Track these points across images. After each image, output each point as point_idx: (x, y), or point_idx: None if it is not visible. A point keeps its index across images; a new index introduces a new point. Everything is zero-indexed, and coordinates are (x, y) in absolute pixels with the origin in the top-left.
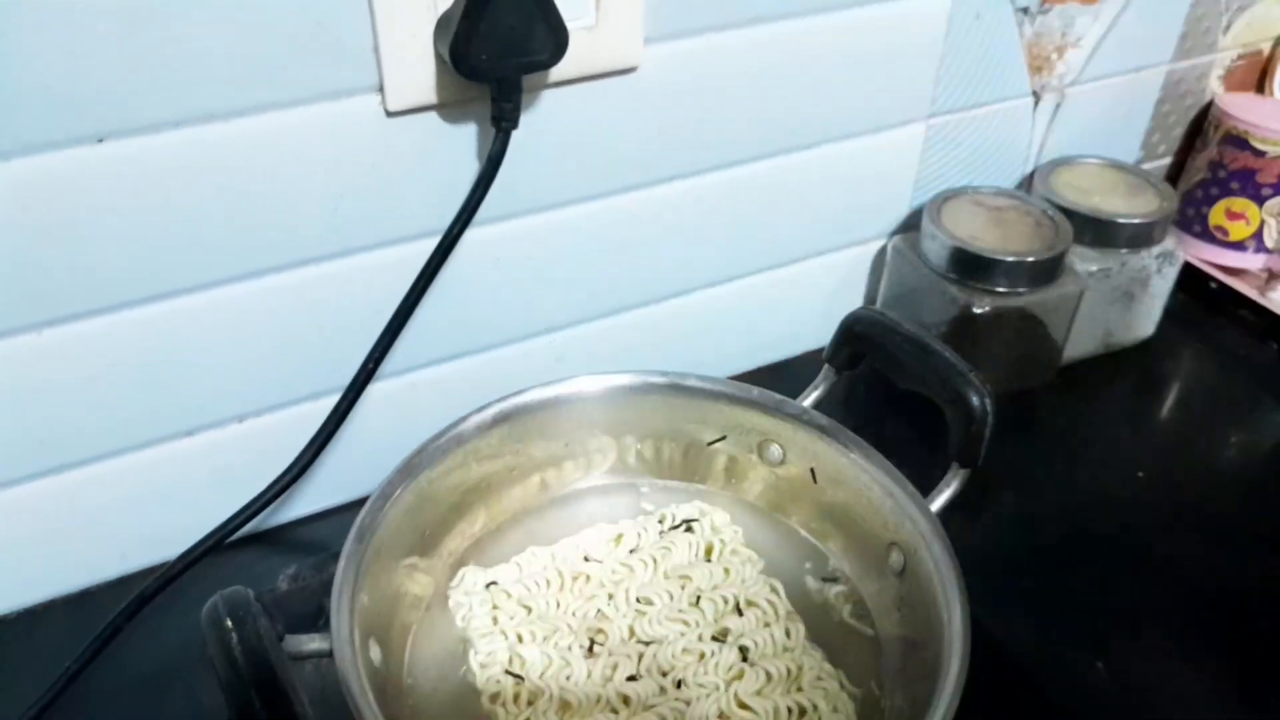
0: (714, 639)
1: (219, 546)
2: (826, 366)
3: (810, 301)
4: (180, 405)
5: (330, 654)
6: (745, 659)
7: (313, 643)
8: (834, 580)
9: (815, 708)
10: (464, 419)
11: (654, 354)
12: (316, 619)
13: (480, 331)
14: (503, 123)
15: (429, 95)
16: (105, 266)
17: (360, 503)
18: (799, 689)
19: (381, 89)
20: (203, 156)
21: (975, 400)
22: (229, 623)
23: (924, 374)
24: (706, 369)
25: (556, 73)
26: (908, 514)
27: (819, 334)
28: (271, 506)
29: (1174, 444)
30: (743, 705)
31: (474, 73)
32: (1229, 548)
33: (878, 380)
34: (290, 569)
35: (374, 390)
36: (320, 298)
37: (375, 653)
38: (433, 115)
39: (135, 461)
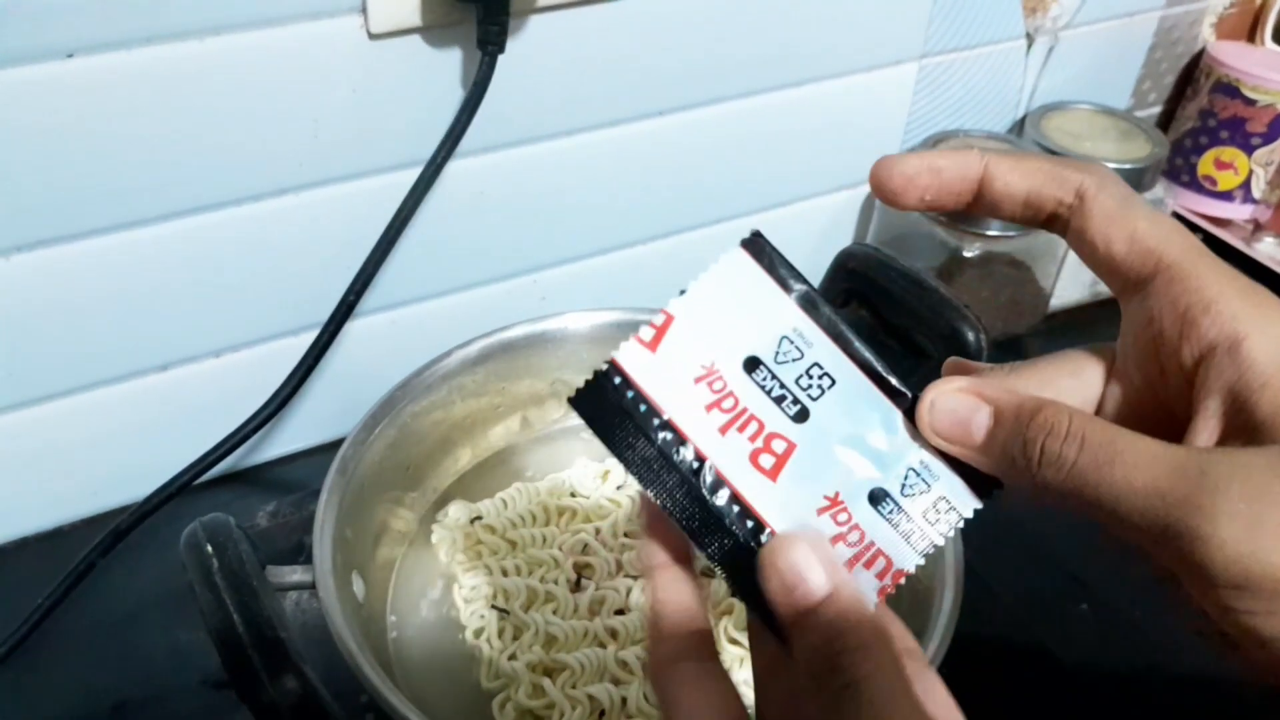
0: (703, 574)
1: (196, 484)
2: None
3: (798, 245)
4: (154, 338)
5: (312, 586)
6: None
7: (295, 574)
8: None
9: None
10: (448, 354)
11: (639, 297)
12: (296, 555)
13: (463, 268)
14: (489, 46)
15: (413, 17)
16: (75, 190)
17: (339, 443)
18: None
19: (364, 10)
20: (176, 76)
21: (970, 335)
22: (209, 548)
23: (918, 310)
24: None
25: None
26: None
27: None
28: (249, 444)
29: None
30: (732, 640)
31: None
32: None
33: (863, 325)
34: (270, 506)
35: (354, 327)
36: (299, 228)
37: (358, 586)
38: (416, 38)
39: (108, 396)
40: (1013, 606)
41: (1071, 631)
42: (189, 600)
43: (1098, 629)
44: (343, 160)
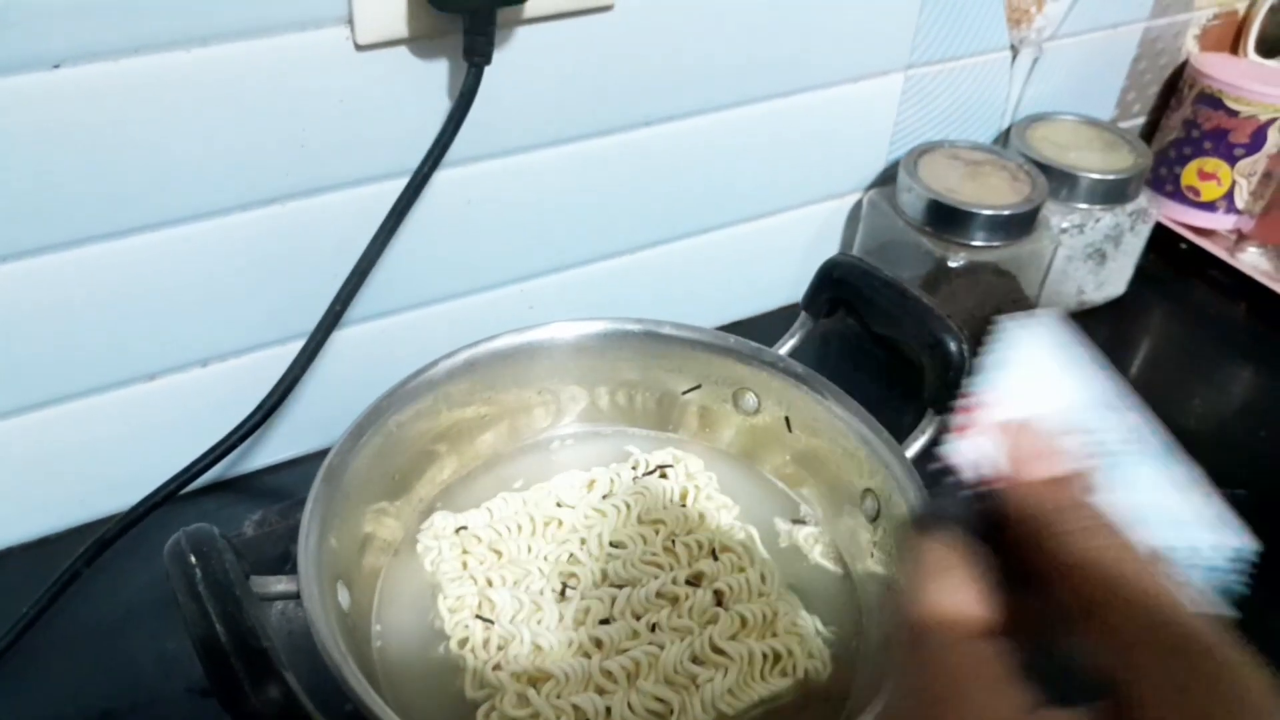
0: (688, 583)
1: (182, 493)
2: (803, 314)
3: (784, 255)
4: (141, 348)
5: (297, 596)
6: (720, 603)
7: (279, 584)
8: (802, 522)
9: (790, 653)
10: (435, 363)
11: (626, 307)
12: (283, 564)
13: (450, 277)
14: (475, 57)
15: (400, 28)
16: (61, 199)
17: (326, 453)
18: (774, 634)
19: (351, 21)
20: (163, 86)
21: (953, 345)
22: (193, 558)
23: (902, 320)
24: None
25: (531, 8)
26: (883, 461)
27: (792, 289)
28: (236, 453)
29: (1144, 402)
30: (717, 650)
31: (447, 4)
32: None
33: (850, 334)
34: (256, 515)
35: (341, 336)
36: (286, 238)
37: (343, 596)
38: (403, 49)
39: (95, 405)
40: None
41: None
42: (175, 609)
43: None
44: (330, 170)
